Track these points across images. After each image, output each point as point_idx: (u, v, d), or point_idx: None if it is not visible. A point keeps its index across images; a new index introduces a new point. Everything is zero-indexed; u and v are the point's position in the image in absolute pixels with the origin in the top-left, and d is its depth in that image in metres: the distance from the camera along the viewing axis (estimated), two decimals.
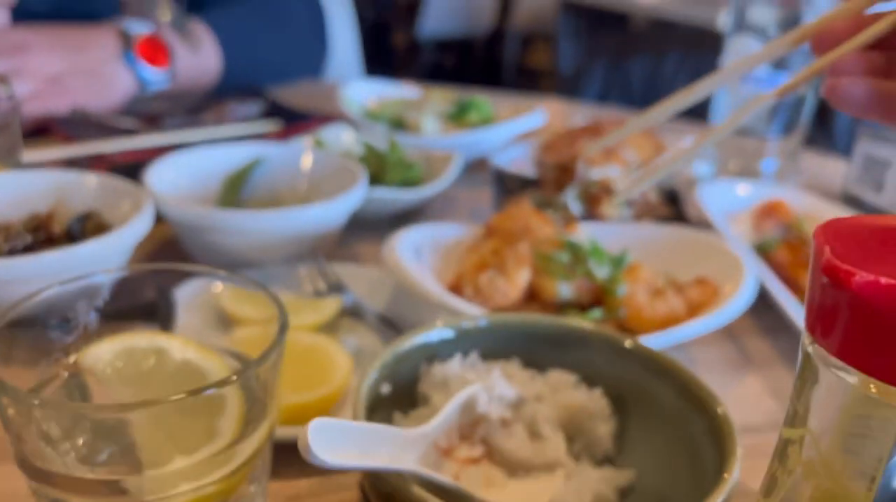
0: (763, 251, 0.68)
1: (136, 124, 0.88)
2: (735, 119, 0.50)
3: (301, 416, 0.42)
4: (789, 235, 0.71)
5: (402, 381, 0.43)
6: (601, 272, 0.58)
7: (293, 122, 0.94)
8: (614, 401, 0.43)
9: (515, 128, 0.94)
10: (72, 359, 0.36)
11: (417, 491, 0.33)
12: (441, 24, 3.39)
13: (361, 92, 1.04)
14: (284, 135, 0.90)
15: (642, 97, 2.17)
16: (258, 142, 0.79)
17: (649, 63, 2.29)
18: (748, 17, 0.85)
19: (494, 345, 0.45)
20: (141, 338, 0.37)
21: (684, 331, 0.53)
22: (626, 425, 0.44)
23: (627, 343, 0.44)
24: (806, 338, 0.24)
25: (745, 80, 0.85)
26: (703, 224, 0.71)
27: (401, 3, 3.55)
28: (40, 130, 0.88)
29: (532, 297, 0.59)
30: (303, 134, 0.89)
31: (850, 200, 0.86)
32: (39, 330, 0.36)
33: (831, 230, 0.23)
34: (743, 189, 0.80)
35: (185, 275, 0.40)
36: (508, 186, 0.79)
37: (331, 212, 0.65)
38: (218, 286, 0.41)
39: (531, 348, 0.45)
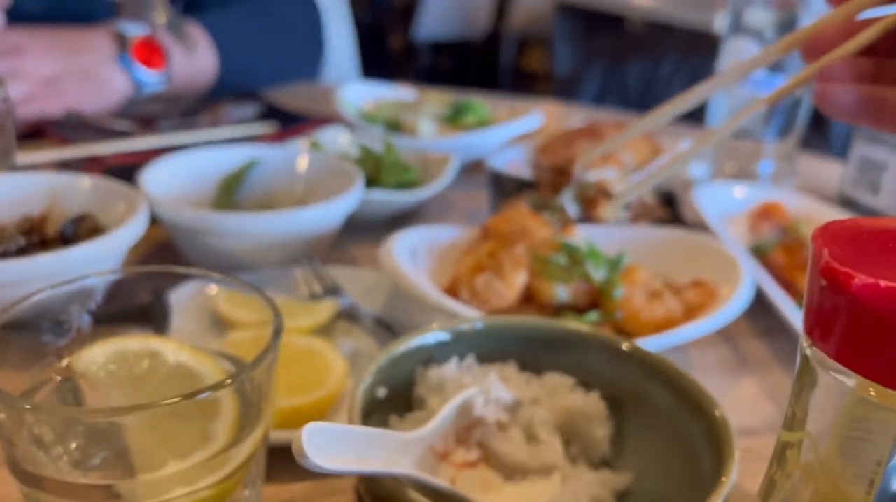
0: (760, 253, 0.68)
1: (132, 126, 0.88)
2: (731, 124, 0.50)
3: (296, 420, 0.42)
4: (786, 237, 0.71)
5: (398, 384, 0.43)
6: (598, 274, 0.58)
7: (289, 124, 0.94)
8: (611, 404, 0.43)
9: (512, 131, 0.94)
10: (64, 362, 0.36)
11: (413, 495, 0.32)
12: (437, 27, 3.39)
13: (357, 94, 1.04)
14: (280, 137, 0.90)
15: (639, 100, 2.17)
16: (254, 144, 0.79)
17: (646, 65, 2.30)
18: (745, 19, 0.85)
19: (491, 347, 0.45)
20: (134, 342, 0.36)
21: (681, 334, 0.53)
22: (623, 428, 0.44)
23: (625, 345, 0.44)
24: (804, 341, 0.24)
25: (742, 82, 0.85)
26: (700, 226, 0.71)
27: (397, 5, 3.55)
28: (35, 133, 0.88)
29: (529, 300, 0.59)
30: (299, 136, 0.89)
31: (846, 202, 0.86)
32: (32, 333, 0.35)
33: (829, 233, 0.23)
34: (739, 191, 0.80)
35: (179, 278, 0.39)
36: (505, 189, 0.79)
37: (327, 215, 0.65)
38: (212, 289, 0.41)
39: (528, 351, 0.45)
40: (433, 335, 0.44)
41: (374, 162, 0.79)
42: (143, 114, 0.95)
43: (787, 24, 0.83)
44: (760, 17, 0.84)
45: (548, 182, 0.77)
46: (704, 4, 2.28)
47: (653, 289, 0.58)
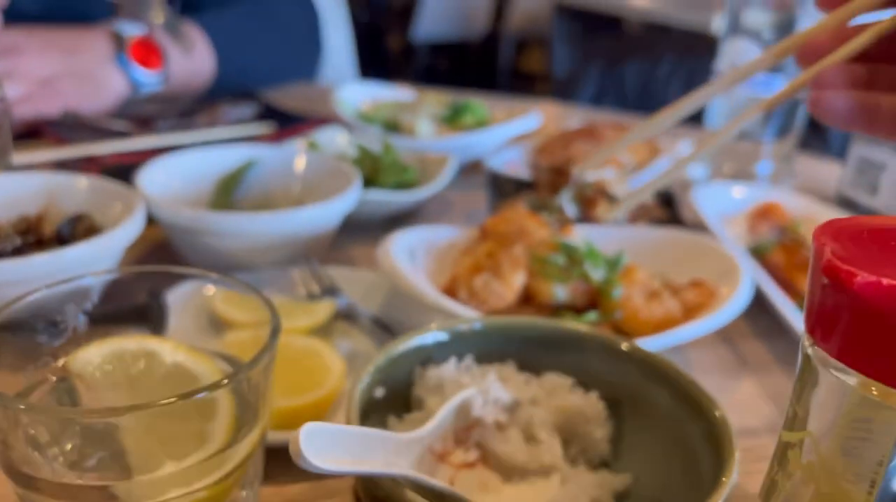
0: (758, 253, 0.68)
1: (129, 127, 0.88)
2: (728, 129, 0.51)
3: (293, 421, 0.42)
4: (785, 237, 0.70)
5: (397, 385, 0.43)
6: (597, 274, 0.57)
7: (287, 124, 0.94)
8: (610, 405, 0.43)
9: (510, 131, 0.94)
10: (60, 362, 0.36)
11: (412, 496, 0.32)
12: (435, 28, 3.38)
13: (355, 94, 1.03)
14: (278, 137, 0.89)
15: (637, 100, 2.17)
16: (251, 144, 0.78)
17: (643, 67, 2.30)
18: (743, 20, 0.85)
19: (489, 348, 0.45)
20: (130, 342, 0.36)
21: (680, 334, 0.53)
22: (622, 429, 0.43)
23: (624, 345, 0.44)
24: (806, 340, 0.24)
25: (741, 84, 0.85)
26: (699, 226, 0.71)
27: (395, 5, 3.55)
28: (31, 133, 0.88)
29: (527, 300, 0.59)
30: (296, 136, 0.89)
31: (844, 203, 0.86)
32: (27, 333, 0.35)
33: (831, 231, 0.23)
34: (738, 191, 0.80)
35: (176, 278, 0.39)
36: (503, 189, 0.79)
37: (324, 215, 0.64)
38: (210, 289, 0.40)
39: (526, 351, 0.45)
40: (431, 335, 0.44)
41: (372, 162, 0.79)
42: (141, 114, 0.95)
43: (784, 25, 0.83)
44: (758, 17, 0.84)
45: (546, 182, 0.76)
46: (702, 5, 2.29)
47: (651, 290, 0.58)
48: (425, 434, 0.38)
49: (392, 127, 0.94)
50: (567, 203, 0.70)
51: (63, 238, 0.57)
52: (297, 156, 0.75)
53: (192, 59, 1.01)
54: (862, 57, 0.42)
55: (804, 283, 0.64)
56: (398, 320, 0.57)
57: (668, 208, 0.77)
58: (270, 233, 0.62)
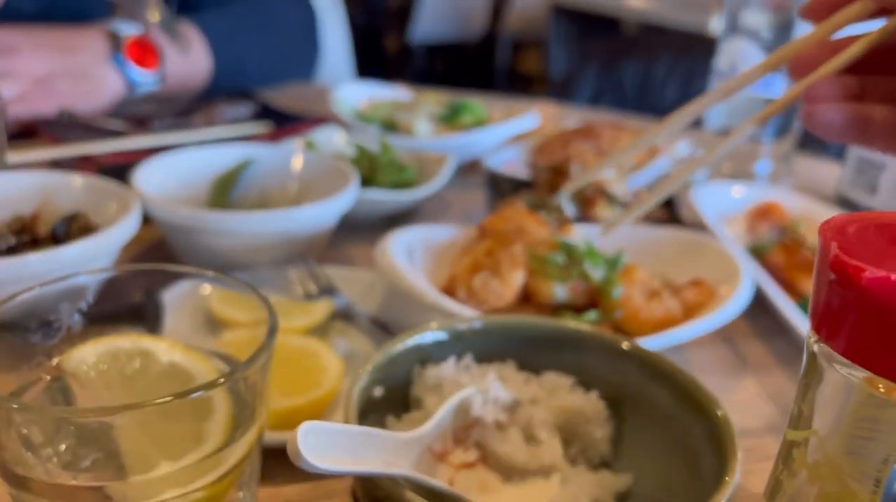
0: (758, 253, 0.68)
1: (125, 126, 0.87)
2: (737, 131, 0.51)
3: (291, 421, 0.41)
4: (784, 237, 0.70)
5: (395, 384, 0.42)
6: (597, 273, 0.57)
7: (284, 124, 0.93)
8: (611, 404, 0.43)
9: (508, 131, 0.93)
10: (54, 361, 0.35)
11: (411, 496, 0.32)
12: (433, 29, 3.38)
13: (353, 94, 1.03)
14: (275, 137, 0.89)
15: (634, 101, 2.17)
16: (248, 143, 0.78)
17: (641, 68, 2.30)
18: (741, 20, 0.85)
19: (489, 347, 0.45)
20: (126, 341, 0.36)
21: (680, 333, 0.52)
22: (623, 429, 0.43)
23: (624, 344, 0.43)
24: (811, 337, 0.23)
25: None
26: (698, 226, 0.71)
27: (392, 6, 3.55)
28: (27, 133, 0.87)
29: (526, 299, 0.58)
30: (294, 136, 0.88)
31: (843, 202, 0.86)
32: (21, 332, 0.35)
33: (837, 226, 0.23)
34: (737, 191, 0.80)
35: (172, 277, 0.39)
36: (501, 188, 0.79)
37: (322, 214, 0.64)
38: (206, 288, 0.40)
39: (526, 350, 0.45)
40: (430, 334, 0.43)
41: (370, 161, 0.78)
42: (137, 114, 0.94)
43: (783, 25, 0.83)
44: (757, 18, 0.84)
45: (545, 182, 0.76)
46: (698, 6, 2.29)
47: (651, 289, 0.57)
48: (425, 433, 0.37)
49: (390, 126, 0.94)
50: (566, 202, 0.70)
51: (58, 237, 0.57)
52: (294, 155, 0.74)
53: (189, 58, 1.01)
54: (853, 68, 0.43)
55: (804, 283, 0.63)
56: (396, 320, 0.57)
57: (667, 208, 0.77)
58: (267, 233, 0.62)
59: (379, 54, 3.52)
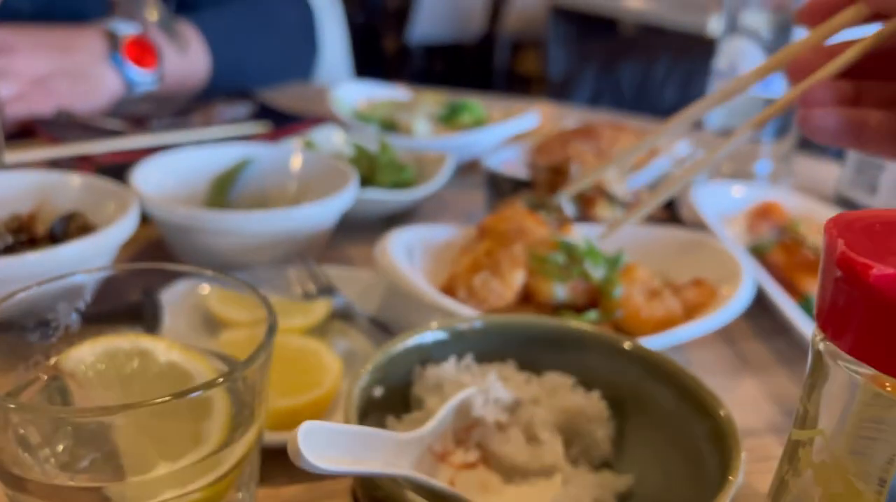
0: (758, 253, 0.68)
1: (123, 126, 0.87)
2: (735, 134, 0.51)
3: (290, 421, 0.41)
4: (784, 237, 0.70)
5: (395, 384, 0.42)
6: (597, 273, 0.57)
7: (282, 123, 0.93)
8: (612, 404, 0.42)
9: (508, 131, 0.93)
10: (52, 361, 0.35)
11: (412, 496, 0.32)
12: (431, 29, 3.38)
13: (352, 93, 1.03)
14: (274, 136, 0.89)
15: (633, 102, 2.17)
16: (247, 143, 0.78)
17: (639, 68, 2.30)
18: (741, 20, 0.85)
19: (490, 347, 0.44)
20: (124, 340, 0.35)
21: (681, 333, 0.52)
22: (624, 428, 0.43)
23: (626, 344, 0.43)
24: (817, 336, 0.23)
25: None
26: (698, 226, 0.71)
27: (390, 7, 3.55)
28: (25, 132, 0.87)
29: (527, 299, 0.58)
30: (292, 135, 0.88)
31: (843, 202, 0.86)
32: (18, 332, 0.34)
33: (843, 223, 0.23)
34: (737, 191, 0.79)
35: (171, 276, 0.38)
36: (501, 188, 0.78)
37: (321, 214, 0.64)
38: (205, 287, 0.40)
39: (527, 350, 0.44)
40: (431, 334, 0.43)
41: (369, 161, 0.78)
42: (135, 113, 0.94)
43: (782, 25, 0.83)
44: (756, 18, 0.84)
45: (544, 181, 0.76)
46: (697, 7, 2.29)
47: (652, 288, 0.57)
48: (425, 434, 0.37)
49: (389, 126, 0.94)
50: (566, 202, 0.70)
51: (56, 237, 0.56)
52: (293, 154, 0.74)
53: (188, 58, 1.01)
54: (848, 73, 0.43)
55: (804, 283, 0.63)
56: (396, 320, 0.57)
57: (667, 208, 0.77)
58: (266, 232, 0.62)
59: (377, 54, 3.52)
